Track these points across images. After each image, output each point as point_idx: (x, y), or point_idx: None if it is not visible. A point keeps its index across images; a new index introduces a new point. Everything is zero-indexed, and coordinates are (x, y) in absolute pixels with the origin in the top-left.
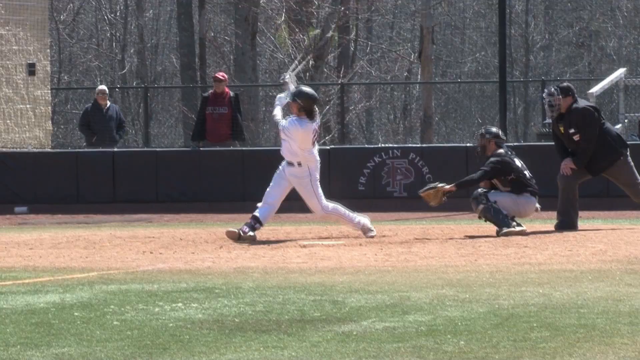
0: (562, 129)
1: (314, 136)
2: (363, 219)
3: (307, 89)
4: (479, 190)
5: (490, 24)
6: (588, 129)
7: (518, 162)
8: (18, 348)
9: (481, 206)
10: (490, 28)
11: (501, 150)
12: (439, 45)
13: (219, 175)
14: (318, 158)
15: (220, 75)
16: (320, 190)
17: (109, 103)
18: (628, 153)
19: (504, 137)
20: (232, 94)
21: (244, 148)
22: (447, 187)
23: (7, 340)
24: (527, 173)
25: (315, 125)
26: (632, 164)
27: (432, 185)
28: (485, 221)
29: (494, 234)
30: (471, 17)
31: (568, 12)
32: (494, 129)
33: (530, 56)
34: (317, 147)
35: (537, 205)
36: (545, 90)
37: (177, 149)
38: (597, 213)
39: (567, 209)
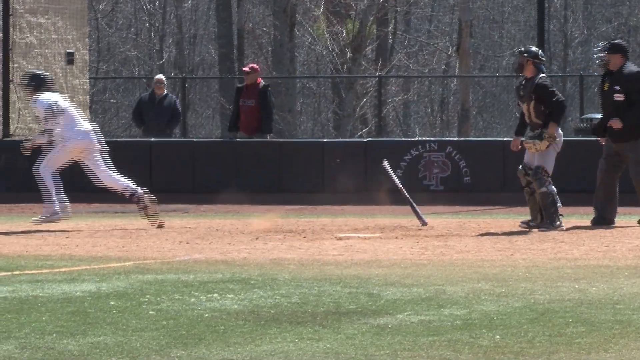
0: (606, 85)
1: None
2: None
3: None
4: (541, 165)
5: (529, 18)
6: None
7: None
8: (54, 336)
9: (543, 189)
10: (529, 22)
11: (545, 76)
12: (477, 39)
13: (255, 167)
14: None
15: (247, 67)
16: (57, 161)
17: (166, 93)
18: None
19: (544, 58)
20: (261, 85)
21: (280, 139)
22: (548, 134)
23: (43, 329)
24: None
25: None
26: None
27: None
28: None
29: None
30: (510, 11)
31: (607, 7)
32: (533, 49)
33: (569, 51)
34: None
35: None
36: (599, 45)
37: (214, 139)
38: (634, 209)
39: (604, 203)
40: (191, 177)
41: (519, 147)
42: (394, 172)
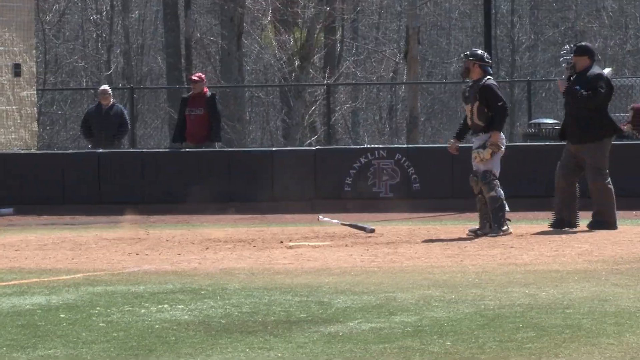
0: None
1: None
2: None
3: None
4: (488, 170)
5: (476, 24)
6: (596, 91)
7: None
8: (4, 350)
9: (492, 193)
10: (476, 28)
11: (491, 78)
12: (425, 46)
13: (205, 176)
14: None
15: (196, 76)
16: None
17: (113, 103)
18: (612, 140)
19: (489, 61)
20: (208, 94)
21: (229, 149)
22: (491, 142)
23: None
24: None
25: None
26: (608, 150)
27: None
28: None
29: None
30: (457, 18)
31: (554, 12)
32: (479, 51)
33: (516, 56)
34: None
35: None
36: (566, 47)
37: (163, 150)
38: (587, 214)
39: (561, 208)
40: (140, 188)
41: (457, 150)
42: (343, 184)
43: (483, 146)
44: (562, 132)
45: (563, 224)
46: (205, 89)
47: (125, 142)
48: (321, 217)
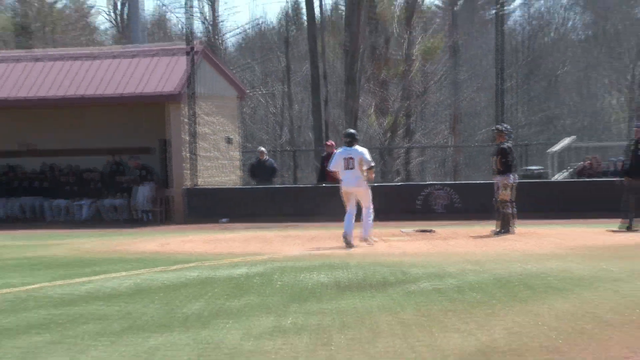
0: None
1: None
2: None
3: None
4: None
5: None
6: None
7: None
8: (224, 298)
9: None
10: None
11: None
12: None
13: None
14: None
15: (329, 142)
16: None
17: (266, 157)
18: None
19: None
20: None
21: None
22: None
23: (217, 294)
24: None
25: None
26: None
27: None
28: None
29: (492, 235)
30: None
31: None
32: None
33: None
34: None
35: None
36: None
37: (309, 185)
38: None
39: None
40: (299, 208)
41: None
42: None
43: None
44: None
45: None
46: (333, 150)
47: (287, 182)
48: (402, 230)
